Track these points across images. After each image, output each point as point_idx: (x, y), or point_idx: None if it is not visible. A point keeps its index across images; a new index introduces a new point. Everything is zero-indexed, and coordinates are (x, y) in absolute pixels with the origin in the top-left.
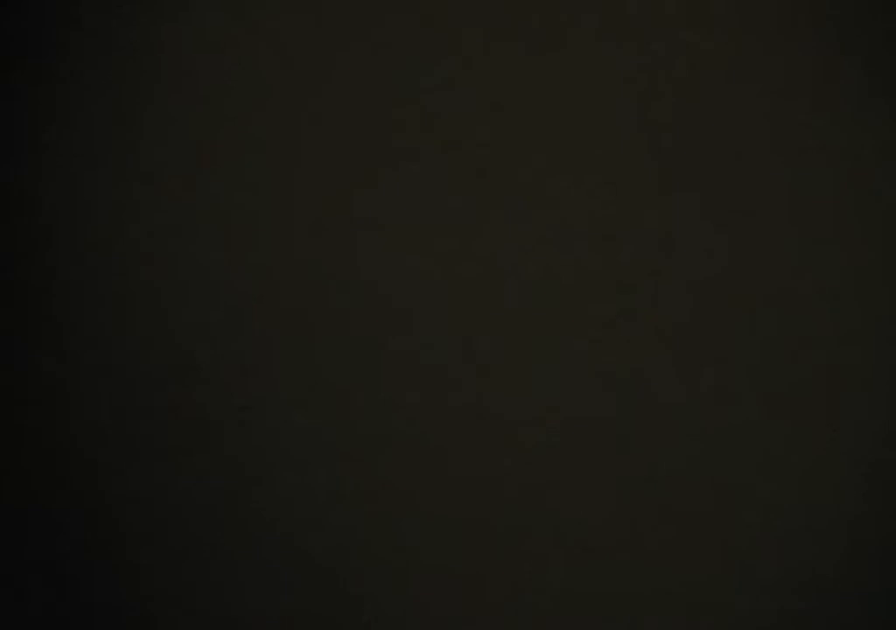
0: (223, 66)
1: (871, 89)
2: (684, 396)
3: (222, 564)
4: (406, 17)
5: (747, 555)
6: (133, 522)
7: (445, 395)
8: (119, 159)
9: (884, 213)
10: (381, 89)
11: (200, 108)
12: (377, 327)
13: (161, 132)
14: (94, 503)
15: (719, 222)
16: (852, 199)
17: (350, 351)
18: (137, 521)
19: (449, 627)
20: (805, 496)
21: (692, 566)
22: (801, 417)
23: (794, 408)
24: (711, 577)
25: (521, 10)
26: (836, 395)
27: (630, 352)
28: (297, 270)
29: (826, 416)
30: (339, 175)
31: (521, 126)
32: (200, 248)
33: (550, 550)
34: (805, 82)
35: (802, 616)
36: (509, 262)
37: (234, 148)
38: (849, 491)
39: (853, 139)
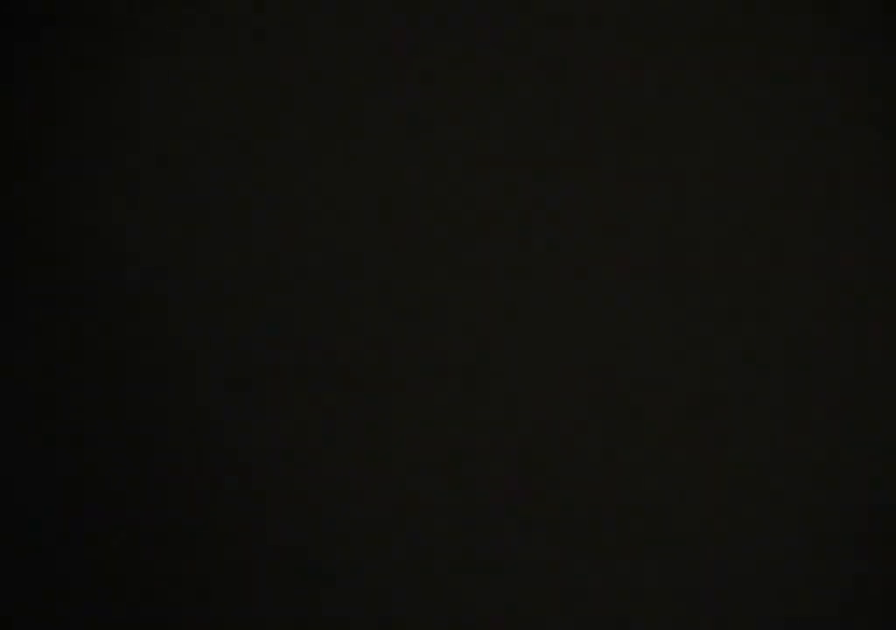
0: (221, 65)
1: (873, 90)
2: (686, 400)
3: (220, 565)
4: (406, 16)
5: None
6: (132, 520)
7: (448, 396)
8: (118, 158)
9: (885, 216)
10: (381, 89)
11: (198, 105)
12: (377, 328)
13: (160, 131)
14: (93, 502)
15: (722, 225)
16: (855, 202)
17: (352, 347)
18: (136, 519)
19: None
20: (808, 502)
21: (693, 575)
22: (804, 423)
23: (797, 412)
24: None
25: (520, 9)
26: (838, 403)
27: (632, 355)
28: (298, 269)
29: (828, 422)
30: (337, 174)
31: (521, 128)
32: (198, 246)
33: (553, 560)
34: (806, 83)
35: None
36: (511, 267)
37: (231, 147)
38: (851, 496)
39: (854, 141)
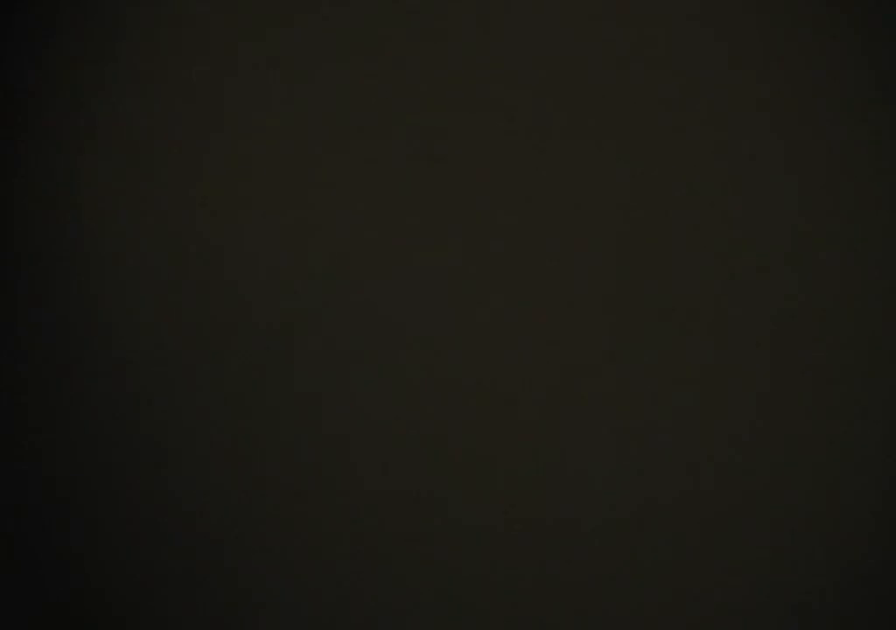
0: (220, 69)
1: (873, 92)
2: (687, 402)
3: (222, 575)
4: (404, 25)
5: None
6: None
7: (443, 400)
8: (120, 160)
9: (885, 215)
10: (377, 97)
11: (197, 111)
12: (376, 337)
13: (159, 132)
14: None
15: (722, 226)
16: (856, 203)
17: (350, 358)
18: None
19: None
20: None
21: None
22: (808, 424)
23: (803, 413)
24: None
25: (518, 14)
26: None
27: (633, 360)
28: (294, 278)
29: (830, 424)
30: (337, 177)
31: (521, 133)
32: (199, 245)
33: (558, 565)
34: (807, 85)
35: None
36: (511, 268)
37: (231, 150)
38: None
39: (855, 144)
